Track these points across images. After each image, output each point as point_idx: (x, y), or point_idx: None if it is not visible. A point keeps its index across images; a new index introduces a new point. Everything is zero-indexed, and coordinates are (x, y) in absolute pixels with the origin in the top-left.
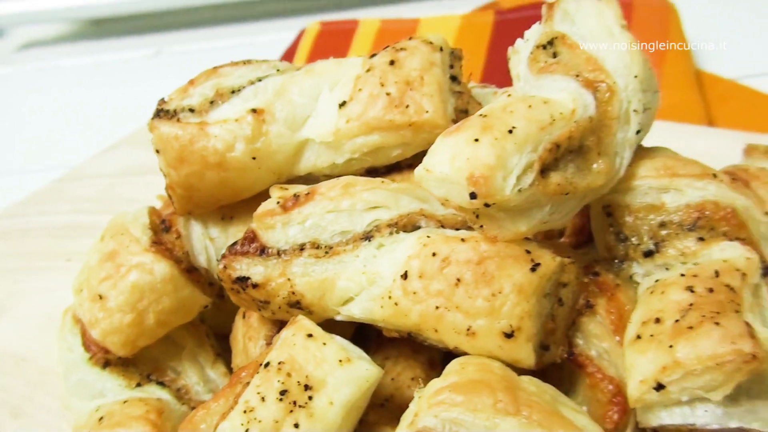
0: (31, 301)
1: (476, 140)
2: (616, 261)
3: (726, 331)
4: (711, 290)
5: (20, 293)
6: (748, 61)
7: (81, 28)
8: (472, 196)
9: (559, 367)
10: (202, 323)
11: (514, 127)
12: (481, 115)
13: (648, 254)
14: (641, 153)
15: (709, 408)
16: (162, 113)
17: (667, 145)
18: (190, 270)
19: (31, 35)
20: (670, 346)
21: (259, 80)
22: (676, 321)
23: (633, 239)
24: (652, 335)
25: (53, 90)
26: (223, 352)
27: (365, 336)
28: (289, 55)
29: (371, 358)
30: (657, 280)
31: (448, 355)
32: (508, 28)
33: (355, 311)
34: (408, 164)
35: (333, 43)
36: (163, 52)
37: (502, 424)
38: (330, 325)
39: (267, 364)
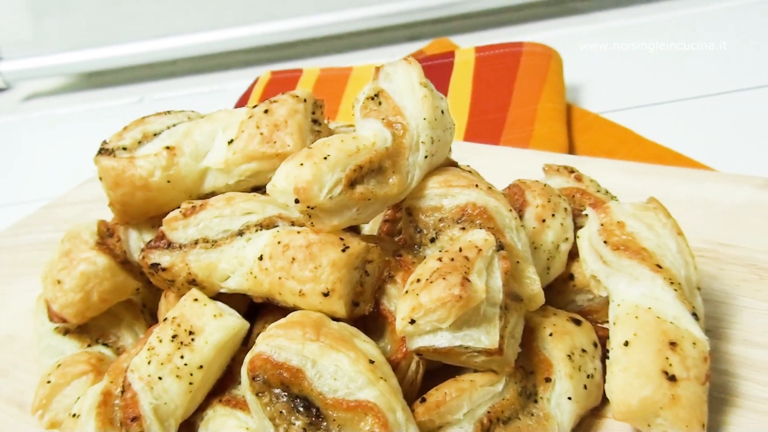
0: (18, 298)
1: (301, 164)
2: (415, 246)
3: (448, 282)
4: (452, 259)
5: (10, 293)
6: (610, 98)
7: (75, 80)
8: (296, 201)
9: (373, 320)
10: (143, 306)
11: (328, 155)
12: (309, 147)
13: (432, 240)
14: (435, 170)
15: (444, 334)
16: (103, 151)
17: (528, 168)
18: (125, 262)
19: (34, 88)
20: (417, 294)
21: (174, 125)
22: (427, 279)
23: (424, 231)
24: (412, 289)
25: (52, 133)
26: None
27: (256, 308)
28: (245, 98)
29: (257, 323)
30: None
31: None
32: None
33: (231, 284)
34: None
35: (280, 88)
36: (145, 99)
37: (307, 347)
38: (226, 300)
39: (165, 319)
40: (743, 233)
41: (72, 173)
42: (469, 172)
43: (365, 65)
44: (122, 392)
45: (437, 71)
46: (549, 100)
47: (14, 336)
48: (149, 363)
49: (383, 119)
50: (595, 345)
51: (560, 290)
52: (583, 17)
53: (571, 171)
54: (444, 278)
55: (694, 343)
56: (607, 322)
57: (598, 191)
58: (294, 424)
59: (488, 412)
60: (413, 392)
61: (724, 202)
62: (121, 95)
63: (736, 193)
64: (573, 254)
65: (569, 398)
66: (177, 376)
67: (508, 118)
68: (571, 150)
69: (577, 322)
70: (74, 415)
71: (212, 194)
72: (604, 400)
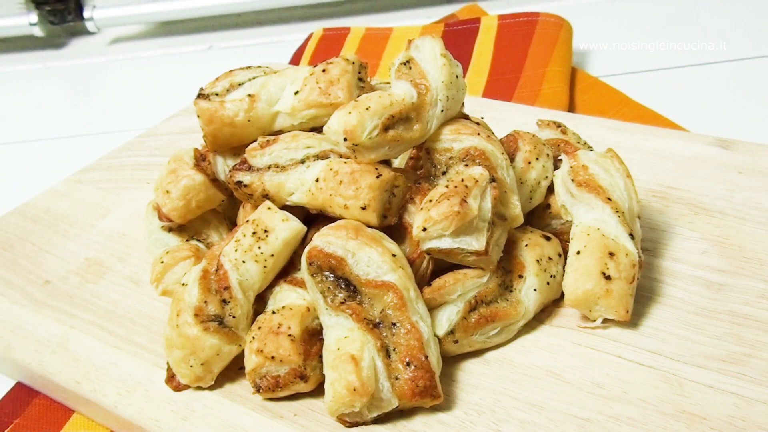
0: (125, 205)
1: (349, 113)
2: (431, 177)
3: (451, 202)
4: (456, 186)
5: (119, 201)
6: (609, 63)
7: (153, 28)
8: (345, 139)
9: (397, 230)
10: (223, 214)
11: (369, 106)
12: (355, 100)
13: (443, 173)
14: (449, 121)
15: (446, 239)
16: (201, 96)
17: (531, 121)
18: (214, 180)
19: (119, 33)
20: (428, 210)
21: (254, 78)
22: (436, 200)
23: (438, 166)
24: (425, 206)
25: (136, 73)
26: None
27: (311, 218)
28: (300, 51)
29: (311, 228)
30: None
31: None
32: (451, 36)
33: (294, 198)
34: None
35: (331, 43)
36: (214, 47)
37: (348, 242)
38: (289, 211)
39: (247, 221)
40: (688, 180)
41: (155, 107)
42: (477, 123)
43: (403, 26)
44: (216, 270)
45: (465, 34)
46: (556, 65)
47: (125, 233)
48: (236, 250)
49: (411, 81)
50: (560, 255)
51: (540, 216)
52: None
53: (558, 125)
54: (448, 199)
55: (626, 254)
56: None
57: (578, 142)
58: (337, 296)
59: (475, 296)
60: (424, 282)
61: (679, 155)
62: (194, 42)
63: (689, 148)
64: (551, 189)
65: (535, 290)
66: (255, 260)
67: (521, 78)
68: (571, 108)
69: (548, 238)
70: (183, 284)
71: (280, 132)
72: (563, 296)
